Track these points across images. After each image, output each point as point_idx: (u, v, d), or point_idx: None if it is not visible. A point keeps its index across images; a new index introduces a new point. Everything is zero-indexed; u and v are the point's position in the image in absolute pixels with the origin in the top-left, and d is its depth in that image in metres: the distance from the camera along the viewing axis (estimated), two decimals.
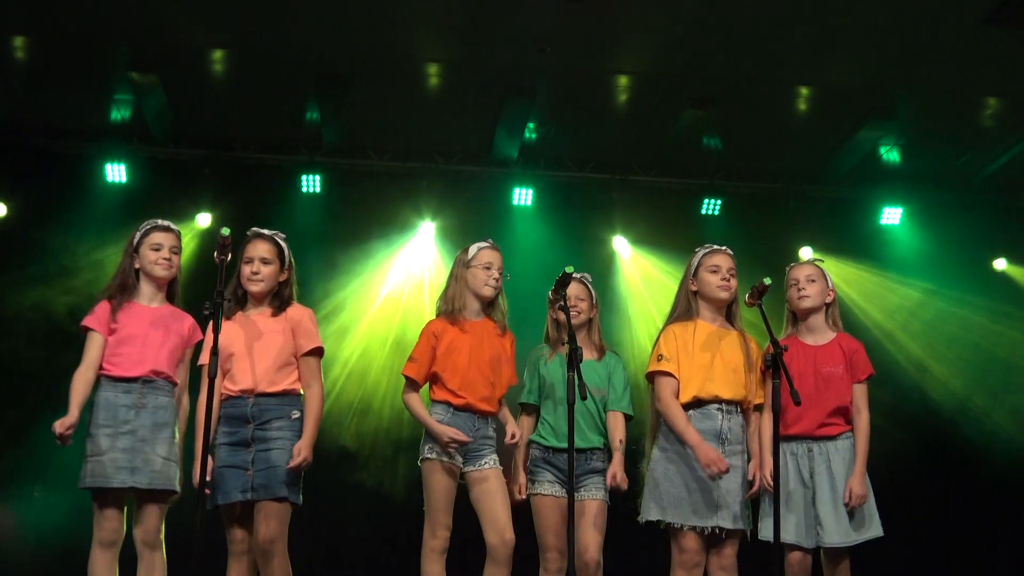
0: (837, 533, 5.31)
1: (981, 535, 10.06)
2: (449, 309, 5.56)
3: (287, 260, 5.43)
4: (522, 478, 5.70)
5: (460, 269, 5.62)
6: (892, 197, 10.47)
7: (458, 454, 5.39)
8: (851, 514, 5.31)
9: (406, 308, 10.17)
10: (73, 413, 5.07)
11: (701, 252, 5.55)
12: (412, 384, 5.53)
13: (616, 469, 5.59)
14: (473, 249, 5.63)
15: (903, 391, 10.23)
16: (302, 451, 5.12)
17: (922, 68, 8.55)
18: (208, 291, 4.98)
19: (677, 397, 5.34)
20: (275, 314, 5.34)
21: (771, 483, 5.18)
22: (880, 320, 10.43)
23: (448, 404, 5.45)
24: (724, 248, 5.55)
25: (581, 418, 5.54)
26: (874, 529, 5.37)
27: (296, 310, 5.40)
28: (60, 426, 5.03)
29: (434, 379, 5.52)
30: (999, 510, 10.05)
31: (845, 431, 5.43)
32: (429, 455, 5.41)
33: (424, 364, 5.49)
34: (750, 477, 5.30)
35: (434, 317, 5.67)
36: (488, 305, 5.63)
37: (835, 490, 5.33)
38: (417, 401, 5.51)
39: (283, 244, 5.44)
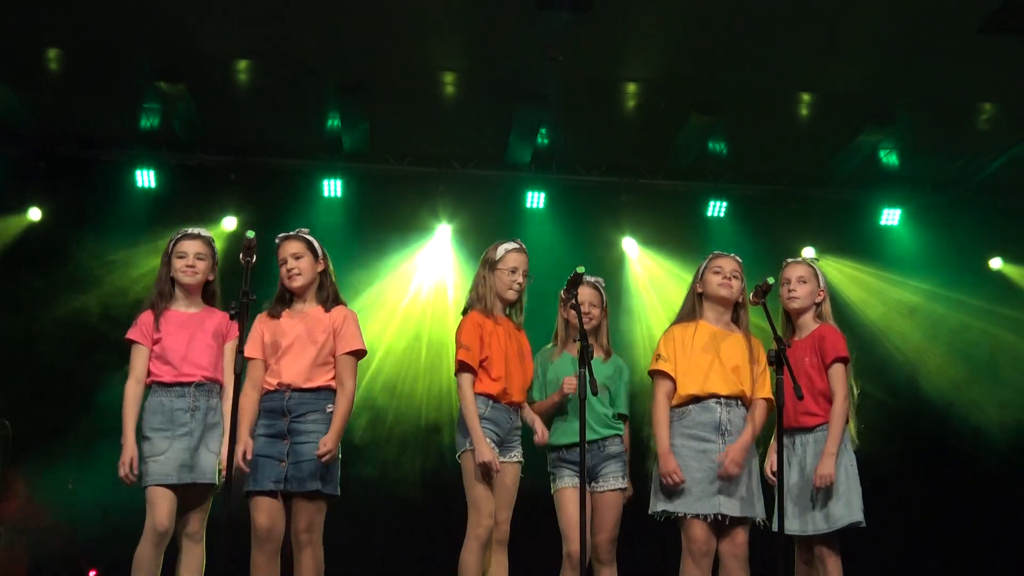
0: (801, 523, 5.30)
1: (974, 524, 10.06)
2: (481, 306, 5.54)
3: (319, 252, 5.45)
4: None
5: (487, 270, 5.58)
6: (891, 199, 10.45)
7: (495, 444, 5.34)
8: (817, 505, 5.29)
9: (424, 307, 10.19)
10: (130, 445, 5.16)
11: (709, 257, 5.55)
12: (468, 372, 5.37)
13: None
14: (501, 251, 5.58)
15: (901, 385, 10.23)
16: (327, 443, 5.12)
17: (920, 74, 8.53)
18: (234, 291, 5.00)
19: (671, 397, 5.35)
20: (326, 310, 5.37)
21: (771, 476, 5.18)
22: (879, 317, 10.41)
23: (488, 397, 5.38)
24: (732, 255, 5.54)
25: (588, 412, 5.54)
26: (844, 518, 5.27)
27: (340, 311, 5.40)
28: (124, 467, 5.12)
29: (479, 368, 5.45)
30: (990, 500, 10.05)
31: (822, 423, 5.39)
32: (470, 447, 5.33)
33: (476, 351, 5.38)
34: (719, 458, 5.21)
35: (462, 311, 5.64)
36: (510, 305, 5.63)
37: (802, 481, 5.32)
38: (473, 402, 5.33)
39: (310, 238, 5.46)
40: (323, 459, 5.12)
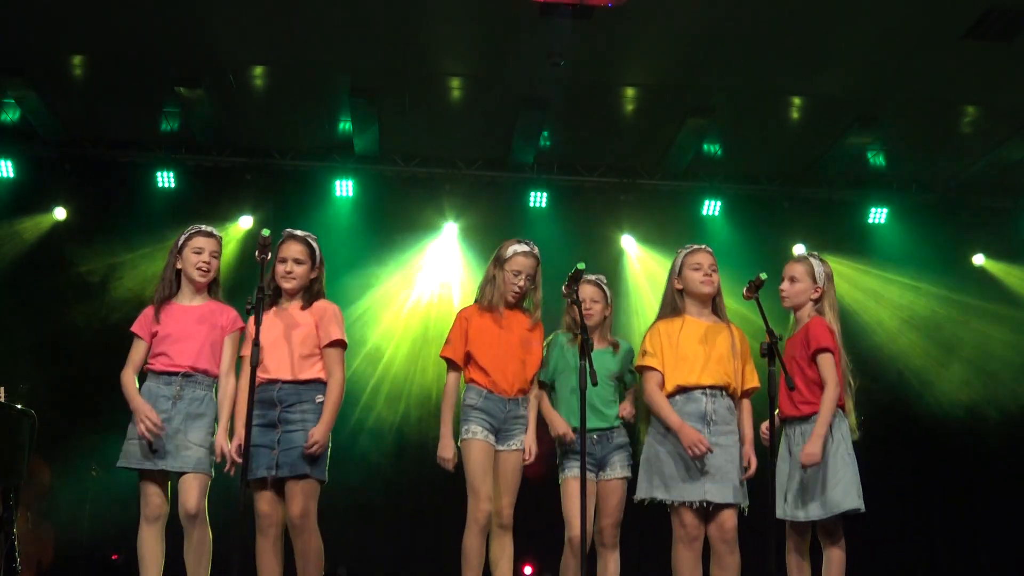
0: (799, 509, 5.27)
1: (957, 503, 10.15)
2: (485, 301, 5.52)
3: (318, 259, 5.40)
4: (559, 421, 5.57)
5: (495, 268, 5.54)
6: (878, 198, 10.42)
7: (491, 432, 5.35)
8: (815, 492, 5.25)
9: (432, 301, 10.19)
10: (138, 405, 5.15)
11: (683, 252, 5.46)
12: (452, 366, 5.45)
13: (626, 404, 5.62)
14: (510, 251, 5.53)
15: (887, 375, 10.20)
16: (316, 436, 5.08)
17: (906, 79, 8.51)
18: (250, 287, 4.99)
19: (662, 387, 5.30)
20: (304, 307, 5.33)
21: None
22: (867, 311, 10.38)
23: (481, 387, 5.38)
24: (704, 247, 5.49)
25: (597, 399, 5.51)
26: (842, 504, 5.19)
27: (322, 304, 5.35)
28: (143, 425, 5.10)
29: (468, 360, 5.45)
30: (971, 482, 10.12)
31: (815, 412, 5.34)
32: (465, 435, 5.34)
33: (459, 346, 5.42)
34: (745, 463, 5.21)
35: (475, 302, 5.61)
36: (514, 303, 5.59)
37: (797, 469, 5.29)
38: (452, 396, 5.44)
39: (315, 245, 5.41)
40: (311, 451, 5.07)
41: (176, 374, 5.21)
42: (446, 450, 5.34)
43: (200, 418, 5.21)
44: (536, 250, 5.59)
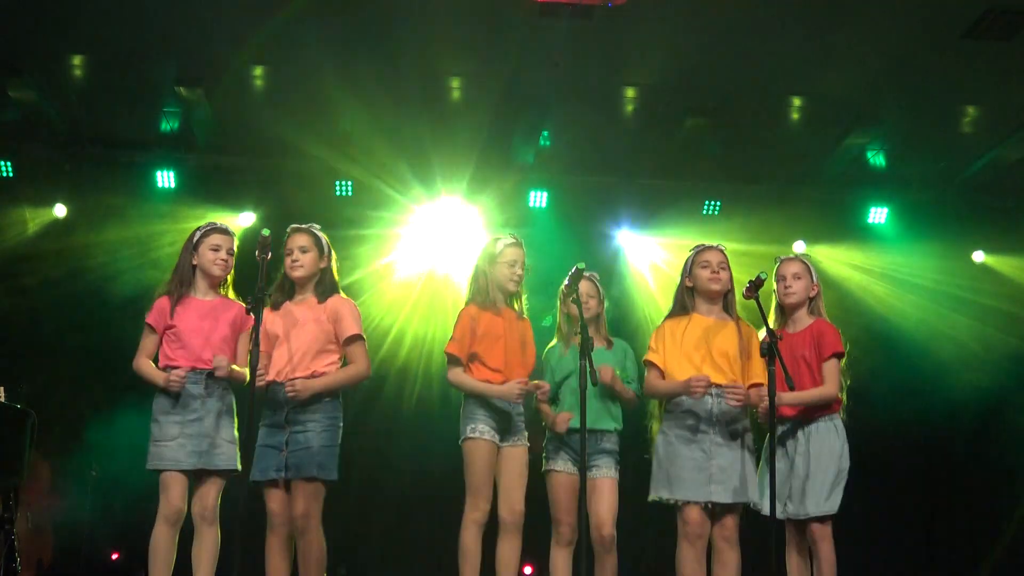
0: (802, 508, 5.30)
1: (953, 505, 10.18)
2: (481, 300, 5.53)
3: (325, 248, 5.44)
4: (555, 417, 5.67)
5: (487, 264, 5.59)
6: (878, 198, 10.42)
7: (496, 431, 5.36)
8: (821, 490, 5.28)
9: (431, 301, 10.19)
10: (162, 376, 5.20)
11: (694, 251, 5.53)
12: (455, 362, 5.46)
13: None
14: (500, 245, 5.59)
15: (886, 375, 10.18)
16: (308, 386, 5.15)
17: (906, 78, 8.51)
18: (250, 287, 5.00)
19: (664, 378, 5.36)
20: (320, 301, 5.35)
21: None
22: (866, 311, 10.39)
23: (489, 384, 5.40)
24: (715, 245, 5.52)
25: (594, 401, 5.53)
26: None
27: (337, 300, 5.39)
28: (171, 380, 5.15)
29: (473, 360, 5.47)
30: (968, 480, 10.22)
31: (826, 414, 5.39)
32: (471, 435, 5.36)
33: (466, 343, 5.44)
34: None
35: (465, 303, 5.64)
36: (510, 296, 5.62)
37: (799, 469, 5.31)
38: (465, 375, 5.43)
39: (319, 234, 5.46)
40: (289, 394, 5.10)
41: (203, 371, 5.23)
42: (513, 391, 5.33)
43: (227, 414, 5.27)
44: (521, 242, 5.67)
